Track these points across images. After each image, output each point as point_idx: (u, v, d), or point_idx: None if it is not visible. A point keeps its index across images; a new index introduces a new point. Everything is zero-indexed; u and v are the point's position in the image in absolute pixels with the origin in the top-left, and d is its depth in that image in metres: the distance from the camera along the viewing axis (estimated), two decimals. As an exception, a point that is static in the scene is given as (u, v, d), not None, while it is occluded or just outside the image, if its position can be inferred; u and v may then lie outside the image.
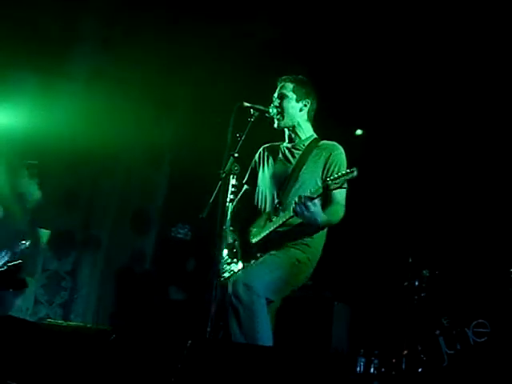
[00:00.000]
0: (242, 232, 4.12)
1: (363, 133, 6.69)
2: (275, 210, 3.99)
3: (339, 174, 3.64)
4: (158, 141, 7.06)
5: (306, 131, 4.18)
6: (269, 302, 3.81)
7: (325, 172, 3.97)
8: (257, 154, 4.35)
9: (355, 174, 3.60)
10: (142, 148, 7.11)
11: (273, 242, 3.95)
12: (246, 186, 4.34)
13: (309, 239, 3.97)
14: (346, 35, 6.21)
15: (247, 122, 3.87)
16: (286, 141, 4.21)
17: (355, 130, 6.73)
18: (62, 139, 6.75)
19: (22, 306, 6.18)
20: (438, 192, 6.13)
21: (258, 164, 4.31)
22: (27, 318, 6.05)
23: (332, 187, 3.65)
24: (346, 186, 3.88)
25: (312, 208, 3.68)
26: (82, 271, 7.27)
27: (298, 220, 3.86)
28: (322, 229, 4.00)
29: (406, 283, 5.68)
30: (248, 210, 4.23)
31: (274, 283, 3.83)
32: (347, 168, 3.92)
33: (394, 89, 6.25)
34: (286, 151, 4.18)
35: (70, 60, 6.70)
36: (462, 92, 6.02)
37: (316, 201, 3.71)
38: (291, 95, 4.10)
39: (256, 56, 6.50)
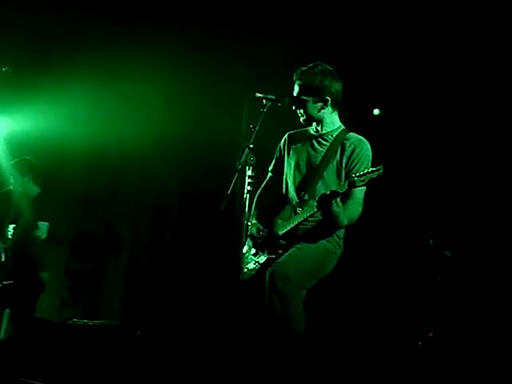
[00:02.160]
0: (268, 223, 4.12)
1: (381, 112, 6.61)
2: (301, 202, 4.00)
3: (365, 170, 3.62)
4: (171, 136, 7.06)
5: (335, 122, 4.13)
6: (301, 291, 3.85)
7: (348, 166, 3.96)
8: (281, 141, 4.32)
9: (381, 171, 3.59)
10: (156, 144, 7.13)
11: (298, 233, 3.97)
12: (270, 174, 4.34)
13: (332, 229, 3.99)
14: (359, 11, 6.16)
15: (260, 112, 3.86)
16: (314, 130, 4.18)
17: (373, 110, 6.64)
18: (77, 141, 6.80)
19: (48, 308, 6.25)
20: (457, 172, 6.08)
21: (282, 151, 4.28)
22: (54, 319, 6.13)
23: (357, 184, 3.64)
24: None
25: (335, 207, 3.73)
26: (105, 270, 7.33)
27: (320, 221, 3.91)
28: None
29: (427, 265, 5.68)
30: (272, 199, 4.24)
31: (308, 272, 3.88)
32: (372, 165, 3.90)
33: (413, 67, 6.19)
34: (314, 141, 4.14)
35: (80, 62, 6.71)
36: (480, 72, 5.96)
37: (339, 200, 3.75)
38: (309, 98, 4.03)
39: (266, 46, 6.47)
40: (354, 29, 6.24)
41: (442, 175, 6.08)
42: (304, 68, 4.07)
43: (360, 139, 4.05)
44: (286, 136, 4.31)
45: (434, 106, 6.13)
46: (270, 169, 4.34)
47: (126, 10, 6.67)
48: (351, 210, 3.89)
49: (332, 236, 4.01)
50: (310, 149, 4.13)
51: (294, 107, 4.08)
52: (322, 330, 5.27)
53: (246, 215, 3.79)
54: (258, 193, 4.24)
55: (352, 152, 3.97)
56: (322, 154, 4.06)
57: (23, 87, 6.53)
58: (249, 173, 3.73)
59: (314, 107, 4.05)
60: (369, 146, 4.04)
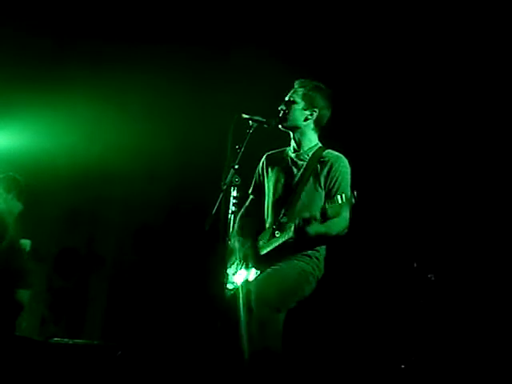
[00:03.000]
0: (249, 244, 4.11)
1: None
2: (280, 225, 3.98)
3: (338, 202, 3.60)
4: (158, 154, 7.05)
5: (313, 140, 4.15)
6: (278, 312, 3.82)
7: (328, 185, 3.96)
8: (260, 164, 4.32)
9: (353, 201, 3.59)
10: (142, 163, 7.11)
11: (275, 255, 3.95)
12: (251, 197, 4.33)
13: (310, 251, 3.97)
14: (342, 36, 6.22)
15: (246, 133, 3.88)
16: (291, 149, 4.20)
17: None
18: (60, 157, 6.77)
19: (29, 326, 6.18)
20: (441, 195, 6.10)
21: (261, 174, 4.29)
22: (35, 338, 6.06)
23: (329, 215, 3.64)
24: (349, 195, 3.82)
25: (311, 233, 3.74)
26: (87, 288, 7.28)
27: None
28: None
29: (411, 288, 5.68)
30: (254, 221, 4.23)
31: (284, 293, 3.85)
32: (351, 183, 3.95)
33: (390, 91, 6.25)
34: (290, 161, 4.15)
35: (63, 78, 6.70)
36: (460, 94, 6.01)
37: (315, 224, 3.73)
38: (299, 101, 4.09)
39: (256, 66, 6.50)
40: (339, 49, 6.30)
41: (427, 198, 6.10)
42: (311, 80, 4.15)
43: (337, 156, 4.05)
44: (263, 158, 4.33)
45: (416, 130, 6.17)
46: (250, 191, 4.34)
47: (112, 26, 6.68)
48: (332, 222, 3.83)
49: (311, 258, 3.97)
50: (287, 170, 4.13)
51: (282, 107, 4.10)
52: (303, 351, 5.26)
53: (232, 235, 3.81)
54: (239, 215, 4.23)
55: (329, 170, 3.95)
56: (299, 174, 4.06)
57: (4, 103, 6.50)
58: (234, 193, 3.74)
59: (300, 112, 4.09)
60: (347, 161, 4.04)
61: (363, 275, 6.18)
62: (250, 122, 3.89)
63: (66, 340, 5.13)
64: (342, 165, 4.00)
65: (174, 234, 7.19)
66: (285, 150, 4.24)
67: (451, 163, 6.04)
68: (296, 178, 4.06)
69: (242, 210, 4.28)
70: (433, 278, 5.66)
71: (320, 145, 4.15)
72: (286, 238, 3.84)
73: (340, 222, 3.84)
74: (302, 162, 4.09)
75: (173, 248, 7.12)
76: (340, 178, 3.95)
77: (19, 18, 6.46)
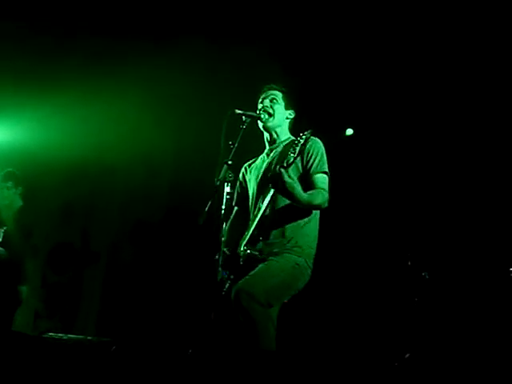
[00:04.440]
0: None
1: (353, 133, 6.64)
2: (255, 210, 3.98)
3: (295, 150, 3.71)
4: (157, 150, 7.06)
5: (287, 134, 4.22)
6: (269, 307, 3.80)
7: (304, 162, 3.97)
8: (240, 175, 4.33)
9: (308, 135, 3.74)
10: (140, 158, 7.12)
11: (265, 251, 3.92)
12: (236, 208, 4.32)
13: (301, 242, 3.95)
14: (335, 33, 6.23)
15: (239, 129, 3.88)
16: (266, 147, 4.23)
17: (345, 131, 6.67)
18: (58, 151, 6.76)
19: (23, 321, 6.18)
20: (435, 194, 6.13)
21: (243, 183, 4.30)
22: (29, 333, 6.07)
23: (290, 160, 3.71)
24: (326, 170, 3.94)
25: (286, 177, 3.69)
26: (82, 284, 7.28)
27: (282, 221, 3.90)
28: (308, 214, 3.97)
29: (405, 286, 5.70)
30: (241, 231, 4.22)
31: (277, 288, 3.81)
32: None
33: (385, 86, 6.26)
34: (265, 157, 4.20)
35: (61, 73, 6.70)
36: (455, 90, 6.03)
37: (290, 173, 3.73)
38: (281, 102, 4.18)
39: (252, 61, 6.51)
40: (325, 49, 6.32)
41: (421, 197, 6.12)
42: (281, 85, 4.25)
43: (309, 137, 4.04)
44: (242, 169, 4.35)
45: (408, 124, 6.19)
46: (233, 203, 4.32)
47: (111, 23, 6.68)
48: (313, 192, 3.86)
49: (302, 249, 3.93)
50: (263, 165, 4.16)
51: (266, 105, 4.15)
52: (298, 348, 5.27)
53: (223, 231, 3.78)
54: (226, 227, 4.15)
55: (302, 149, 3.84)
56: (273, 163, 4.07)
57: (6, 97, 6.51)
58: (227, 189, 3.74)
59: (283, 112, 4.18)
60: (318, 139, 4.05)
61: (358, 273, 6.20)
62: (244, 117, 3.90)
63: (59, 335, 5.13)
64: (314, 141, 4.01)
65: (169, 229, 7.20)
66: (260, 156, 4.29)
67: (445, 165, 6.07)
68: (271, 167, 4.07)
69: (228, 223, 4.26)
70: (427, 276, 5.68)
71: (293, 138, 4.17)
72: (264, 206, 3.83)
73: (320, 194, 3.87)
74: (276, 150, 4.13)
75: (167, 243, 7.13)
76: (315, 151, 3.97)
77: (16, 14, 6.46)
